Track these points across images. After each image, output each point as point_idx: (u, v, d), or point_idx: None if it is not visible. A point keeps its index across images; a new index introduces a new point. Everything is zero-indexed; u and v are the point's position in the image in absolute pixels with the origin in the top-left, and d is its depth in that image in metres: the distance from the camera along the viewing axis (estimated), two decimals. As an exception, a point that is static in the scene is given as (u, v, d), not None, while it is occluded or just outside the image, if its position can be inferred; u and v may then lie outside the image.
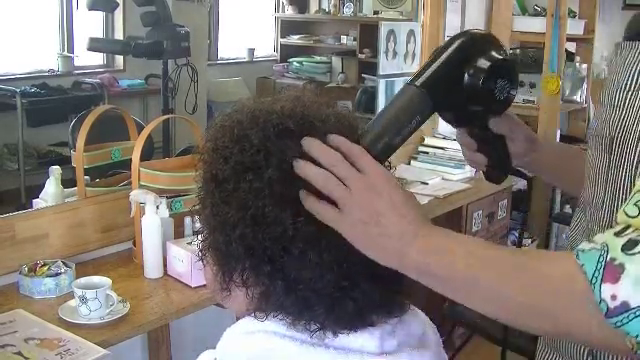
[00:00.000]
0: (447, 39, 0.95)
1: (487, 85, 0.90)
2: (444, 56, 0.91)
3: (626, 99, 0.93)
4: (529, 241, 4.05)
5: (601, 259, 0.69)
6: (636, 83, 0.91)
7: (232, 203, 0.81)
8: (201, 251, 0.88)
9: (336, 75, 6.53)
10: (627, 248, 0.68)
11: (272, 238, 0.80)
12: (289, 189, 0.80)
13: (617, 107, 0.94)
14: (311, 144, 0.80)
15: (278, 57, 7.00)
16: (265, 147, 0.81)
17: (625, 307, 0.67)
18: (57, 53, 5.11)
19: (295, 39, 6.95)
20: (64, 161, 2.56)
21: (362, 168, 0.80)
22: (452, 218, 3.03)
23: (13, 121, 4.42)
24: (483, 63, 0.90)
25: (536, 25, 4.28)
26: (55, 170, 2.25)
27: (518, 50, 4.65)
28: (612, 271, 0.68)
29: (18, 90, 4.49)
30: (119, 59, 5.34)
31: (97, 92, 4.93)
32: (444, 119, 0.99)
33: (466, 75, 0.90)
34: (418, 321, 0.89)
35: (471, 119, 1.02)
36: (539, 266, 0.74)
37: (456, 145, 3.41)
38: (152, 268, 2.02)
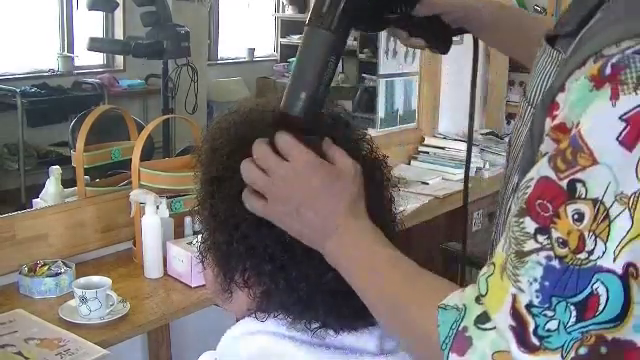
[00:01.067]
0: None
1: None
2: None
3: (524, 109, 0.85)
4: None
5: (454, 325, 0.67)
6: (537, 89, 0.83)
7: (232, 203, 0.81)
8: (201, 253, 0.88)
9: (336, 75, 6.53)
10: (479, 321, 0.66)
11: (273, 237, 0.80)
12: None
13: (520, 107, 0.87)
14: (255, 143, 0.80)
15: (278, 57, 6.99)
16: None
17: None
18: (57, 53, 5.10)
19: (295, 39, 6.94)
20: (64, 161, 2.56)
21: (286, 155, 0.78)
22: (452, 218, 3.03)
23: (13, 121, 4.42)
24: None
25: (536, 25, 4.28)
26: (55, 170, 2.26)
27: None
28: (461, 342, 0.66)
29: (18, 90, 4.49)
30: (119, 59, 5.33)
31: (97, 92, 4.93)
32: (357, 30, 0.96)
33: None
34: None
35: (389, 24, 1.00)
36: (410, 309, 0.72)
37: (456, 145, 3.42)
38: (152, 268, 2.02)
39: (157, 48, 4.24)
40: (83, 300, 1.73)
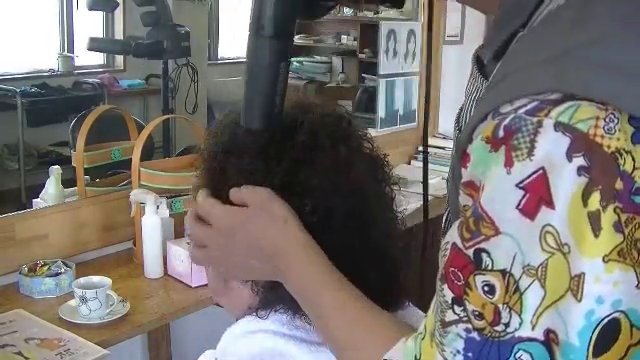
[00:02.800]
0: None
1: None
2: None
3: (455, 135, 0.82)
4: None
5: None
6: (462, 124, 0.79)
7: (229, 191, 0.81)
8: None
9: (336, 75, 6.53)
10: None
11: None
12: (289, 180, 0.80)
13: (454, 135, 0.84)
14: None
15: (278, 57, 7.00)
16: (259, 143, 0.81)
17: None
18: (57, 53, 5.10)
19: (295, 39, 6.94)
20: (64, 161, 2.56)
21: (208, 221, 0.80)
22: (452, 218, 3.04)
23: (13, 121, 4.42)
24: None
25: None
26: (55, 170, 2.25)
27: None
28: None
29: (18, 90, 4.49)
30: (119, 59, 5.33)
31: (97, 92, 4.93)
32: (303, 20, 0.92)
33: None
34: (416, 319, 0.89)
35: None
36: (354, 356, 0.72)
37: (456, 145, 3.42)
38: (152, 268, 2.02)
39: (157, 48, 4.25)
40: (83, 300, 1.73)
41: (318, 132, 0.82)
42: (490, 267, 0.60)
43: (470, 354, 0.61)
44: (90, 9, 4.73)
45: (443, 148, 3.40)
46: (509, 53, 0.67)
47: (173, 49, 4.30)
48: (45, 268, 1.94)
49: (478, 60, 0.77)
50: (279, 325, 0.83)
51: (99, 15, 5.15)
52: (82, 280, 1.82)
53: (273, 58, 0.77)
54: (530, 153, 0.57)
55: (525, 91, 0.59)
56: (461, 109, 0.80)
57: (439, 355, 0.63)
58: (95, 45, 4.74)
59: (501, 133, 0.59)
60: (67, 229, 2.12)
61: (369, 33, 5.61)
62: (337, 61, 6.62)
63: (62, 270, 1.94)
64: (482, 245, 0.60)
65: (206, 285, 0.95)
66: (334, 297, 0.75)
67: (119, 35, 5.21)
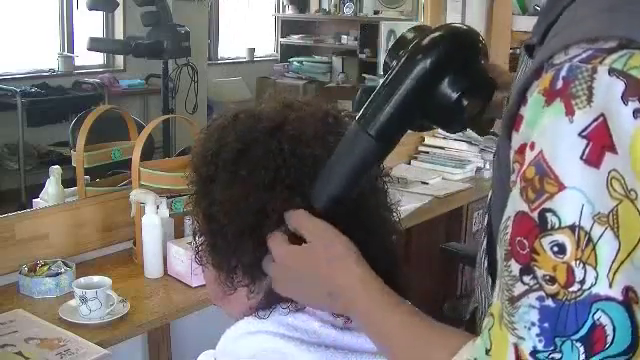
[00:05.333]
0: (402, 54, 0.77)
1: (459, 118, 0.82)
2: (400, 94, 0.75)
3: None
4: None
5: None
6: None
7: (226, 203, 0.82)
8: (198, 254, 0.88)
9: (336, 75, 6.53)
10: None
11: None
12: (276, 178, 0.80)
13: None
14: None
15: (278, 57, 7.00)
16: (245, 145, 0.82)
17: None
18: (57, 53, 5.11)
19: (295, 39, 6.95)
20: (64, 161, 2.56)
21: (274, 256, 0.80)
22: (452, 218, 3.03)
23: (13, 121, 4.43)
24: (450, 96, 0.77)
25: (536, 25, 4.27)
26: (55, 170, 2.25)
27: (518, 50, 4.65)
28: None
29: (18, 90, 4.49)
30: (119, 59, 5.34)
31: (97, 92, 4.93)
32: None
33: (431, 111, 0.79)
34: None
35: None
36: None
37: (456, 145, 3.42)
38: (152, 268, 2.02)
39: (157, 48, 4.25)
40: (83, 300, 1.73)
41: (305, 131, 0.82)
42: (557, 225, 0.58)
43: (546, 324, 0.59)
44: (90, 9, 4.74)
45: (443, 148, 3.40)
46: (559, 20, 0.68)
47: (173, 49, 4.31)
48: (45, 268, 1.93)
49: (527, 48, 0.78)
50: (278, 326, 0.83)
51: (99, 15, 5.16)
52: (82, 280, 1.82)
53: (370, 157, 0.77)
54: (589, 100, 0.57)
55: (579, 38, 0.60)
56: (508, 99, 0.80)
57: (511, 336, 0.60)
58: (95, 45, 4.75)
59: (559, 84, 0.59)
60: (67, 229, 2.12)
61: (369, 33, 5.62)
62: (337, 61, 6.62)
63: (62, 270, 1.94)
64: (546, 205, 0.58)
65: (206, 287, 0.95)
66: (398, 320, 0.74)
67: (119, 35, 5.22)
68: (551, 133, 0.59)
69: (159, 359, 2.30)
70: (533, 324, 0.59)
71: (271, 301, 0.84)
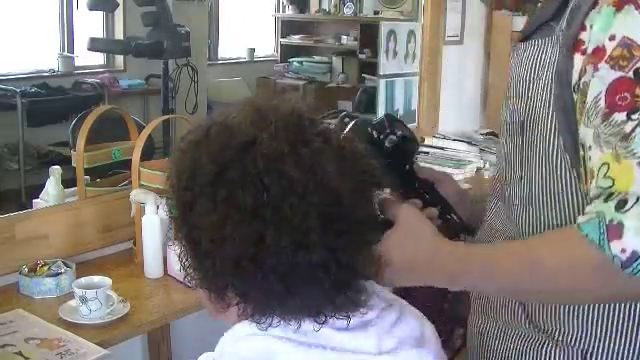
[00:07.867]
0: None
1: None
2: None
3: (528, 89, 1.01)
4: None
5: (601, 224, 0.79)
6: (535, 74, 1.00)
7: (205, 226, 0.81)
8: (188, 275, 0.88)
9: (336, 75, 6.53)
10: (619, 209, 0.78)
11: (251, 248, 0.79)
12: (256, 201, 0.78)
13: (523, 96, 1.01)
14: None
15: (278, 57, 7.00)
16: (220, 166, 0.80)
17: (635, 255, 0.77)
18: (57, 53, 5.11)
19: (295, 39, 6.95)
20: (64, 161, 2.56)
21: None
22: (452, 218, 3.03)
23: (13, 121, 4.42)
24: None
25: (536, 25, 4.27)
26: (55, 170, 2.25)
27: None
28: (614, 232, 0.78)
29: (18, 90, 4.49)
30: (119, 59, 5.34)
31: (97, 92, 4.93)
32: None
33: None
34: (416, 320, 0.89)
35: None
36: (547, 259, 0.84)
37: (456, 145, 3.42)
38: (152, 268, 2.02)
39: (157, 48, 4.25)
40: (83, 300, 1.73)
41: (278, 147, 0.79)
42: None
43: None
44: (90, 9, 4.74)
45: (443, 149, 3.40)
46: None
47: (173, 49, 4.30)
48: (45, 268, 1.93)
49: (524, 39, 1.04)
50: (275, 328, 0.83)
51: (99, 15, 5.16)
52: (82, 280, 1.82)
53: None
54: None
55: None
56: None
57: (633, 160, 0.79)
58: (95, 45, 4.74)
59: None
60: (67, 229, 2.12)
61: (369, 33, 5.61)
62: (337, 61, 6.62)
63: (62, 270, 1.94)
64: (638, 65, 0.81)
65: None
66: (498, 247, 0.97)
67: (119, 35, 5.22)
68: (630, 22, 0.84)
69: (159, 359, 2.30)
70: None
71: (264, 311, 0.83)
